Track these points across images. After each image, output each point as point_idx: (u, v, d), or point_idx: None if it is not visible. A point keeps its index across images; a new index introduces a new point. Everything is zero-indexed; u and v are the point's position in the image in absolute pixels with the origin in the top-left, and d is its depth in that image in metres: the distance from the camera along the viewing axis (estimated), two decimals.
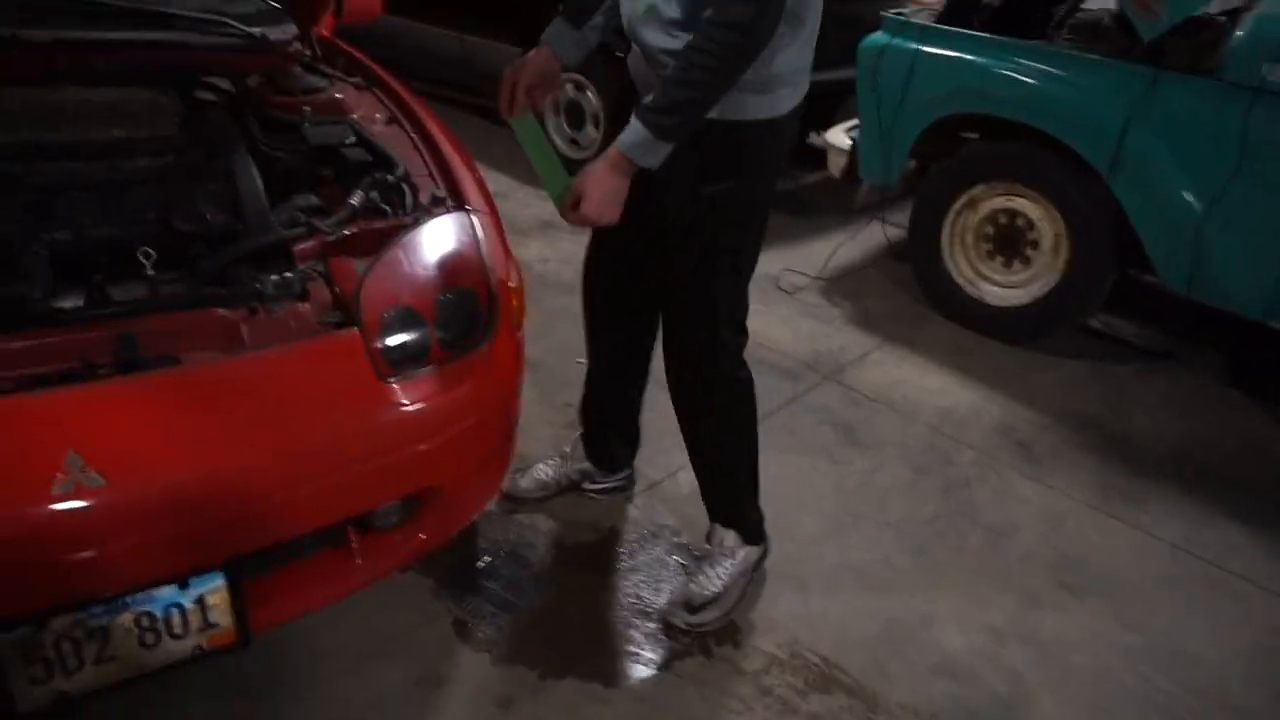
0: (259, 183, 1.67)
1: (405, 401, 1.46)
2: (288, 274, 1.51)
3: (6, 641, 1.19)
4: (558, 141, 4.40)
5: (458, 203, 1.75)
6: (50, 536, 1.17)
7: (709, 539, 2.00)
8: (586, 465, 2.18)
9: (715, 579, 1.91)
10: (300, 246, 1.58)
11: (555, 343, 2.80)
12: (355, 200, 1.72)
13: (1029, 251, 3.15)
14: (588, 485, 2.20)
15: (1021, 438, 2.69)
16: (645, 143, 1.45)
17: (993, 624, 1.99)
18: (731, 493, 1.98)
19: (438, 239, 1.66)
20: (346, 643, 1.73)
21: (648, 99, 1.45)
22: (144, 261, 1.48)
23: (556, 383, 2.66)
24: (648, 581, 2.01)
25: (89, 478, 1.18)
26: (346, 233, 1.64)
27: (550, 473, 2.17)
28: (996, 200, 3.18)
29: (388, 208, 1.75)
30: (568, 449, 2.20)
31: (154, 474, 1.23)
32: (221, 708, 1.60)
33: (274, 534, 1.36)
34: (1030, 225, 3.12)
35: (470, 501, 1.68)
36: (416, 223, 1.68)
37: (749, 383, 1.87)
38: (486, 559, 2.00)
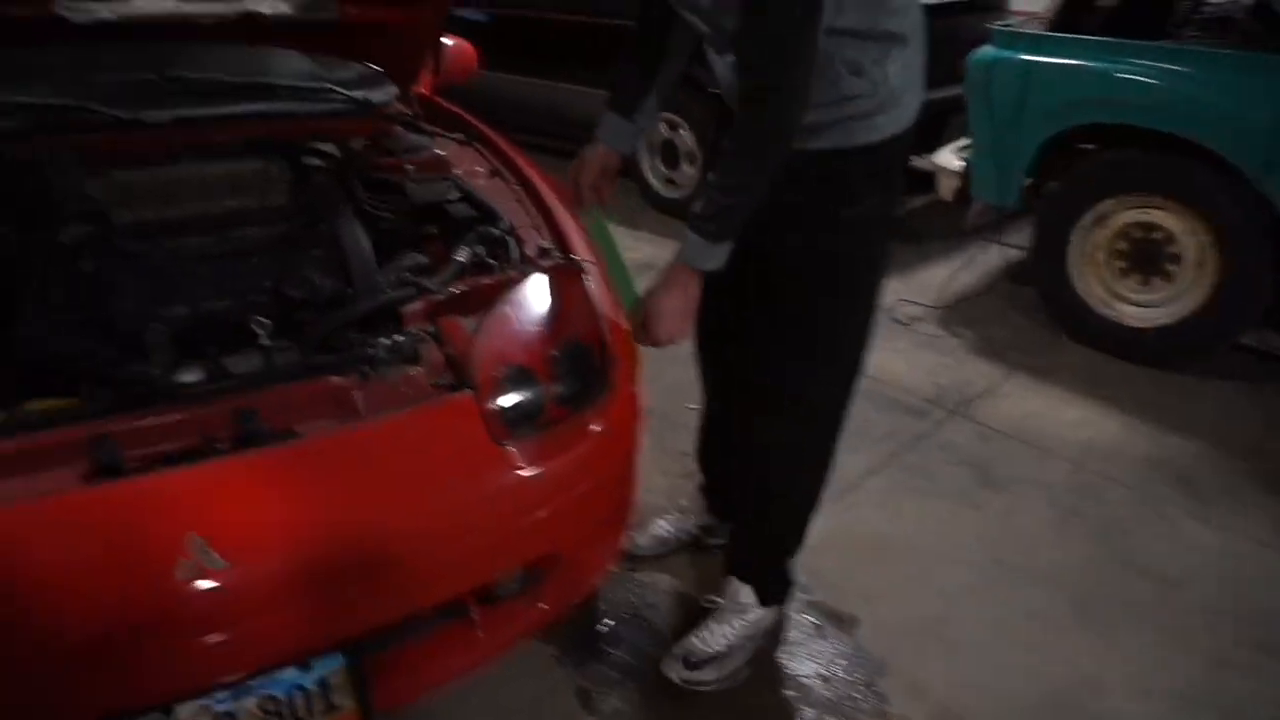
0: (366, 245, 1.65)
1: (522, 465, 1.39)
2: (398, 337, 1.48)
3: None
4: (653, 182, 4.37)
5: (564, 253, 1.70)
6: (174, 622, 1.14)
7: (722, 592, 1.84)
8: (707, 519, 2.07)
9: (720, 637, 1.77)
10: (409, 308, 1.55)
11: (666, 385, 2.70)
12: (462, 256, 1.69)
13: (1170, 267, 2.91)
14: (709, 540, 2.09)
15: (1180, 471, 2.44)
16: (704, 249, 1.43)
17: (1175, 688, 1.77)
18: (774, 552, 1.84)
19: (547, 292, 1.61)
20: (475, 718, 1.66)
21: (697, 207, 1.43)
22: (260, 331, 1.47)
23: (670, 428, 2.56)
24: (783, 645, 1.87)
25: (211, 559, 1.14)
26: (455, 290, 1.60)
27: (669, 528, 2.07)
28: (1129, 214, 2.95)
29: (494, 262, 1.71)
30: (685, 502, 2.10)
31: (275, 554, 1.19)
32: None
33: (393, 610, 1.31)
34: (1170, 239, 2.88)
35: (593, 567, 1.60)
36: (524, 276, 1.63)
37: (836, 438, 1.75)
38: (608, 623, 1.91)
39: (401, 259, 1.72)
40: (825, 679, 1.79)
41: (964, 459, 2.51)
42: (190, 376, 1.40)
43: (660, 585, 2.01)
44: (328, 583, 1.22)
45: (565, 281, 1.63)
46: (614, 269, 1.62)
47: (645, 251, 3.97)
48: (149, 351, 1.39)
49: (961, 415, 2.72)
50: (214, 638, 1.16)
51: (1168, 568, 2.09)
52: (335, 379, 1.41)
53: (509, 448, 1.40)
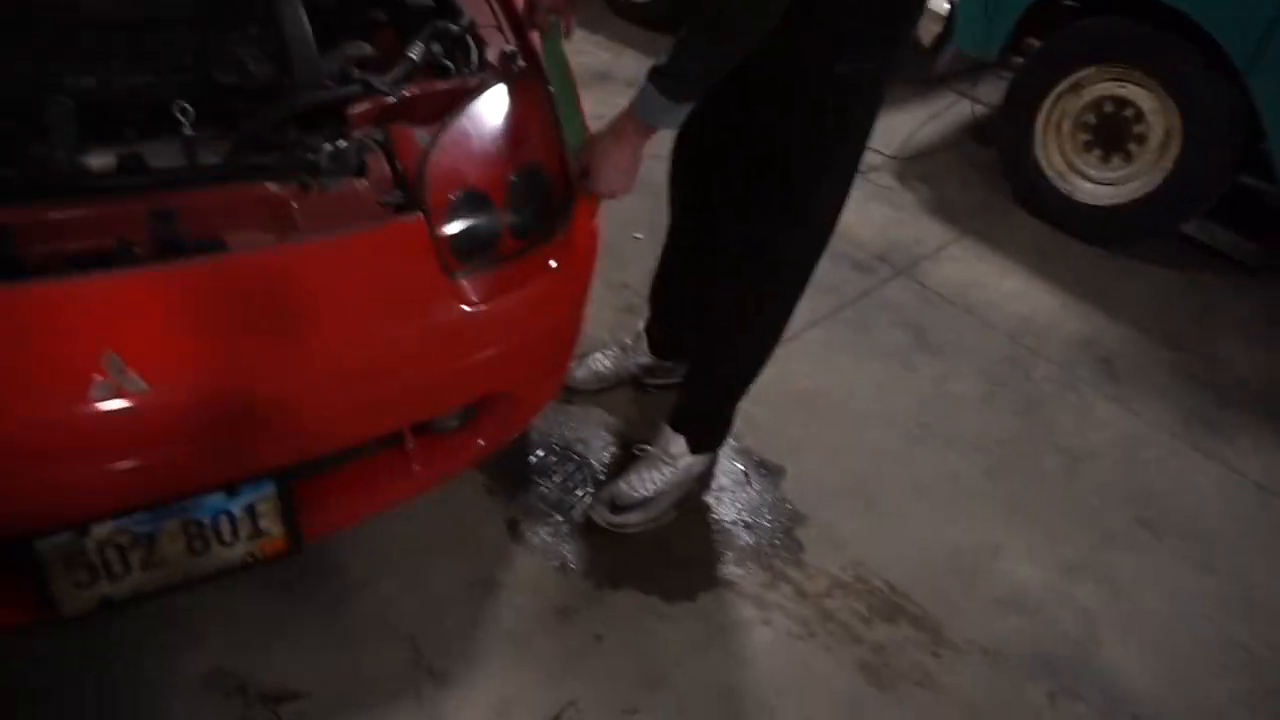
0: (307, 27, 1.45)
1: (473, 300, 1.30)
2: (343, 143, 1.32)
3: (48, 547, 1.10)
4: None
5: (531, 63, 1.53)
6: (89, 444, 1.05)
7: (655, 440, 1.84)
8: (648, 359, 2.04)
9: (648, 483, 1.78)
10: (355, 109, 1.38)
11: (614, 213, 2.59)
12: (414, 53, 1.50)
13: (1132, 146, 2.87)
14: (648, 380, 2.07)
15: (1104, 353, 2.51)
16: (662, 107, 1.30)
17: (1066, 559, 1.89)
18: (715, 407, 1.83)
19: (507, 106, 1.46)
20: (400, 542, 1.65)
21: (661, 59, 1.28)
22: (181, 119, 1.29)
23: (615, 259, 2.47)
24: (710, 491, 1.91)
25: (130, 381, 1.04)
26: (406, 94, 1.43)
27: (608, 364, 2.04)
28: (1105, 85, 2.86)
29: (451, 65, 1.54)
30: (629, 340, 2.05)
31: (200, 379, 1.09)
32: (268, 608, 1.53)
33: (326, 445, 1.25)
34: (1139, 116, 2.82)
35: (534, 404, 1.55)
36: (484, 85, 1.47)
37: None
38: (539, 454, 1.90)
39: (345, 47, 1.53)
40: (748, 525, 1.84)
41: (905, 320, 2.52)
42: (99, 162, 1.24)
43: (594, 420, 2.00)
44: (256, 413, 1.14)
45: (528, 96, 1.48)
46: (565, 101, 1.47)
47: (601, 59, 3.72)
48: (49, 130, 1.21)
49: (907, 275, 2.71)
50: (130, 462, 1.09)
51: (1075, 444, 2.19)
52: (270, 186, 1.26)
53: (460, 280, 1.30)
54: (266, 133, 1.32)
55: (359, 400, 1.23)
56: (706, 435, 1.83)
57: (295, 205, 1.26)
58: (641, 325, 2.04)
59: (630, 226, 2.57)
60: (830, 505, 1.91)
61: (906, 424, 2.16)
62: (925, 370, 2.35)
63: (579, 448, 1.93)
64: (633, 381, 2.07)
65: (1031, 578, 1.85)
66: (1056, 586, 1.84)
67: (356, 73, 1.44)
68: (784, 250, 1.57)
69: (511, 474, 1.83)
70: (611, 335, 2.22)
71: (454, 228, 1.31)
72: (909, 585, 1.78)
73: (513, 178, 1.39)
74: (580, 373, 2.02)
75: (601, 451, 1.93)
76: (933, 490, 2.00)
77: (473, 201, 1.34)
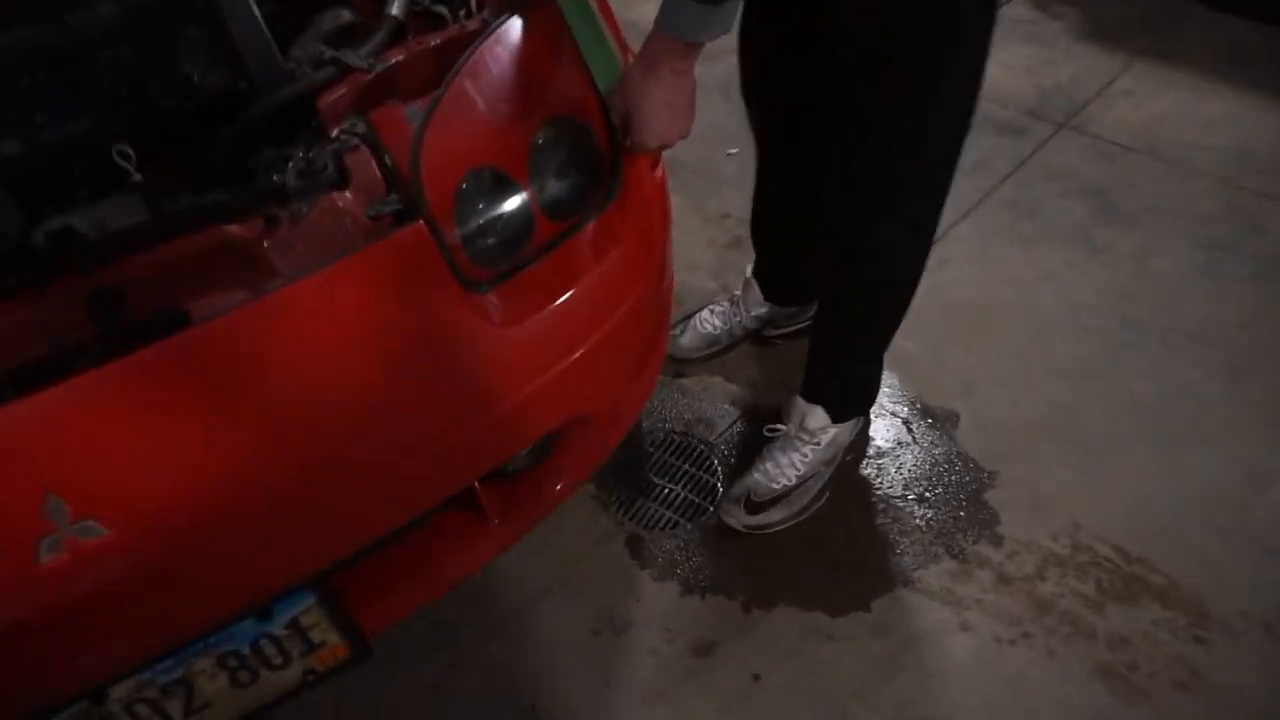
0: (255, 10, 1.14)
1: (508, 316, 1.00)
2: (310, 154, 1.03)
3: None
4: None
5: None
6: (56, 610, 0.84)
7: (787, 415, 1.48)
8: (764, 309, 1.67)
9: (787, 469, 1.43)
10: (329, 98, 1.08)
11: (699, 127, 2.22)
12: (396, 6, 1.18)
13: None
14: (769, 331, 1.71)
15: None
16: (696, 9, 0.94)
17: None
18: (858, 360, 1.45)
19: (518, 47, 1.11)
20: (503, 589, 1.40)
21: None
22: (125, 165, 1.03)
23: (708, 185, 2.11)
24: (867, 459, 1.56)
25: (82, 528, 0.82)
26: (389, 63, 1.12)
27: (718, 323, 1.69)
28: None
29: (444, 9, 1.21)
30: (738, 292, 1.69)
31: (174, 500, 0.85)
32: (368, 697, 1.32)
33: (363, 537, 0.99)
34: None
35: (623, 417, 1.25)
36: (486, 27, 1.13)
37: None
38: (652, 447, 1.60)
39: (320, 22, 1.23)
40: (921, 498, 1.48)
41: (1078, 187, 2.01)
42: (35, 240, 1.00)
43: (713, 394, 1.67)
44: (260, 524, 0.89)
45: (541, 30, 1.13)
46: (584, 24, 1.10)
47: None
48: None
49: (1071, 128, 2.17)
50: (120, 615, 0.87)
51: None
52: (232, 228, 0.99)
53: (487, 294, 1.00)
54: (221, 161, 1.05)
55: (385, 478, 0.96)
56: (851, 399, 1.47)
57: (266, 245, 0.98)
58: (749, 270, 1.67)
59: (722, 141, 2.17)
60: (1023, 453, 1.52)
61: (1105, 325, 1.71)
62: (1118, 248, 1.86)
63: (700, 431, 1.61)
64: (751, 337, 1.72)
65: None
66: None
67: (327, 51, 1.14)
68: (920, 170, 1.16)
69: (623, 478, 1.54)
70: (717, 282, 1.87)
71: (467, 225, 1.00)
72: (1147, 547, 1.38)
73: (537, 139, 1.07)
74: (686, 339, 1.69)
75: (729, 432, 1.61)
76: (1157, 410, 1.56)
77: (486, 183, 1.03)
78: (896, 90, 1.07)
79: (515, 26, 1.12)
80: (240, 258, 0.98)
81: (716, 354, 1.70)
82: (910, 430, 1.57)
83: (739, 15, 1.02)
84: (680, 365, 1.70)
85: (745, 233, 1.93)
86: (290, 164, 1.01)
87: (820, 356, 1.43)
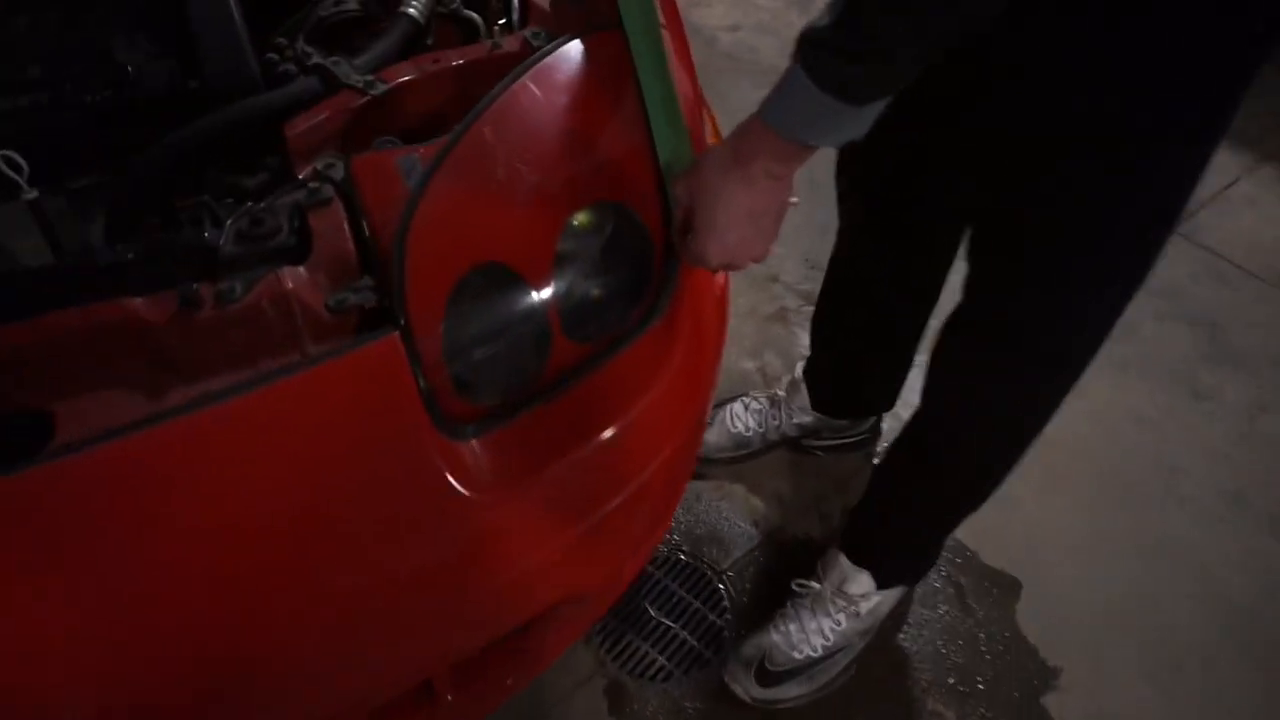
0: None
1: (496, 478, 0.73)
2: (262, 206, 0.75)
3: None
4: None
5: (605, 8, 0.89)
6: None
7: (821, 573, 1.21)
8: (809, 419, 1.40)
9: (814, 637, 1.17)
10: (302, 124, 0.80)
11: None
12: (414, 3, 0.91)
13: None
14: (811, 443, 1.44)
15: None
16: (823, 107, 0.63)
17: None
18: (917, 536, 1.18)
19: (565, 90, 0.83)
20: None
21: (821, 19, 0.62)
22: (14, 176, 0.75)
23: None
24: (906, 626, 1.29)
25: None
26: (390, 82, 0.84)
27: (752, 422, 1.41)
28: None
29: (475, 15, 0.94)
30: (783, 392, 1.42)
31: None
32: None
33: None
34: None
35: (631, 571, 0.98)
36: (528, 50, 0.86)
37: None
38: (651, 568, 1.33)
39: (317, 6, 0.95)
40: (966, 688, 1.22)
41: (1185, 311, 1.73)
42: None
43: (733, 507, 1.40)
44: None
45: (600, 73, 0.85)
46: (652, 79, 0.82)
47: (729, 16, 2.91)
48: None
49: (1181, 234, 1.89)
50: None
51: None
52: (134, 302, 0.71)
53: (471, 442, 0.73)
54: (139, 193, 0.77)
55: (297, 680, 0.70)
56: (906, 567, 1.20)
57: (175, 339, 0.70)
58: (798, 370, 1.40)
59: None
60: (1093, 650, 1.25)
61: (1202, 497, 1.44)
62: (1225, 396, 1.59)
63: (711, 554, 1.34)
64: (785, 443, 1.45)
65: None
66: None
67: (312, 54, 0.86)
68: (1082, 326, 0.88)
69: (618, 610, 1.28)
70: (755, 363, 1.59)
71: (458, 342, 0.73)
72: None
73: (570, 226, 0.79)
74: (712, 434, 1.41)
75: (745, 560, 1.34)
76: (1257, 620, 1.30)
77: (494, 284, 0.75)
78: (1076, 222, 0.80)
79: (565, 61, 0.84)
80: (141, 350, 0.70)
81: (744, 457, 1.43)
82: (962, 597, 1.31)
83: None
84: (701, 465, 1.43)
85: (795, 302, 1.67)
86: (231, 220, 0.73)
87: (877, 512, 1.16)
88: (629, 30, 0.85)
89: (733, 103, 2.22)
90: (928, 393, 1.01)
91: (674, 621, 1.26)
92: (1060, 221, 0.80)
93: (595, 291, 0.79)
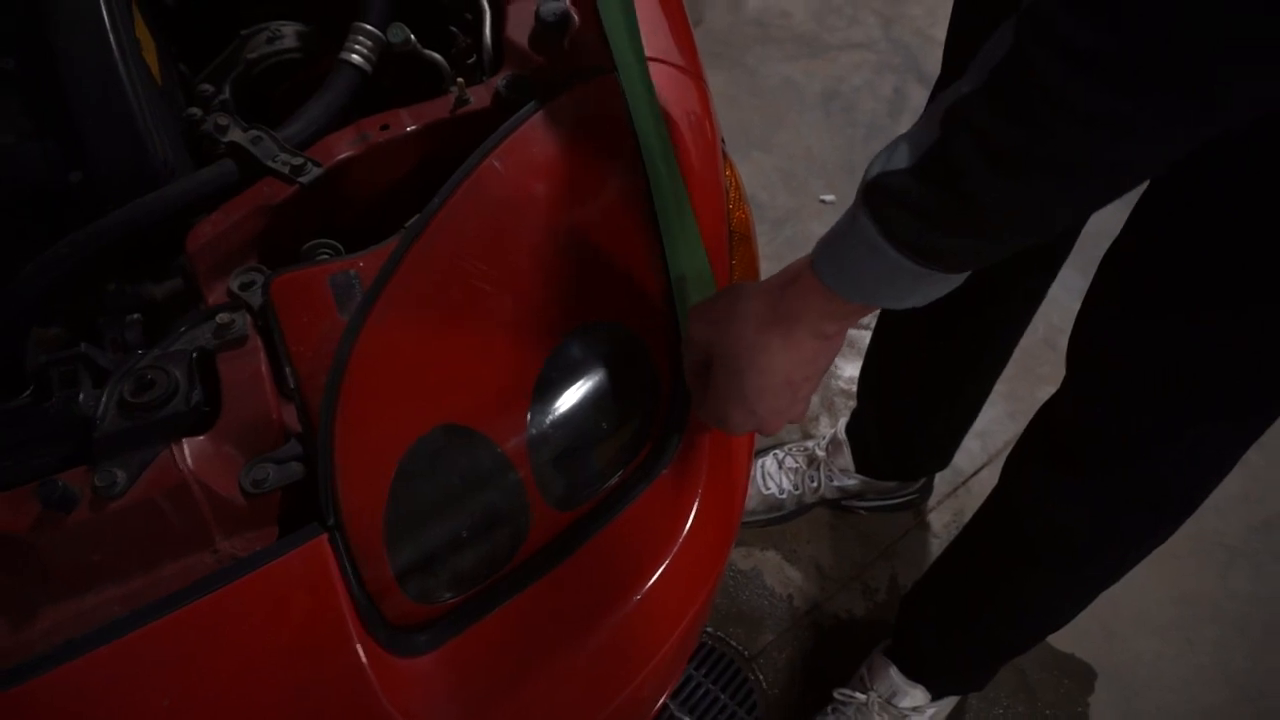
0: (114, 30, 0.67)
1: (457, 705, 0.57)
2: (154, 359, 0.59)
3: None
4: None
5: (599, 49, 0.70)
6: None
7: (867, 679, 1.05)
8: (854, 481, 1.23)
9: None
10: (207, 235, 0.64)
11: (785, 159, 1.72)
12: (356, 48, 0.73)
13: None
14: (853, 505, 1.27)
15: None
16: (888, 266, 0.45)
17: None
18: (980, 644, 0.98)
19: (549, 166, 0.66)
20: None
21: (891, 157, 0.43)
22: None
23: (786, 245, 1.63)
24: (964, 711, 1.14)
25: None
26: (336, 160, 0.67)
27: (787, 483, 1.24)
28: None
29: (439, 58, 0.76)
30: (822, 451, 1.24)
31: None
32: None
33: None
34: None
35: None
36: (500, 108, 0.68)
37: None
38: None
39: (247, 45, 0.79)
40: None
41: None
42: None
43: (765, 578, 1.23)
44: None
45: (596, 146, 0.67)
46: (666, 181, 0.64)
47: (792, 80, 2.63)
48: None
49: None
50: None
51: None
52: None
53: (427, 656, 0.57)
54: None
55: None
56: (965, 677, 1.03)
57: (43, 548, 0.55)
58: (841, 427, 1.22)
59: (815, 178, 1.69)
60: None
61: None
62: None
63: (739, 637, 1.19)
64: (824, 503, 1.28)
65: None
66: None
67: (231, 125, 0.68)
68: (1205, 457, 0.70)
69: None
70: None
71: (402, 533, 0.57)
72: None
73: (556, 353, 0.62)
74: (747, 500, 1.25)
75: (778, 645, 1.19)
76: None
77: (449, 449, 0.59)
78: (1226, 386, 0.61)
79: (545, 129, 0.66)
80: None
81: (778, 520, 1.26)
82: (1028, 688, 1.15)
83: None
84: None
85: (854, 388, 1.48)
86: (109, 385, 0.57)
87: (938, 618, 0.98)
88: (625, 82, 0.67)
89: (763, 80, 2.01)
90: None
91: (693, 717, 1.12)
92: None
93: (586, 442, 0.62)
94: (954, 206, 0.40)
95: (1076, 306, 0.73)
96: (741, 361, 0.53)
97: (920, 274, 0.44)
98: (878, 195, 0.43)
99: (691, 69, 0.73)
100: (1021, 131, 0.37)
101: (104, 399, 0.56)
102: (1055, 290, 0.95)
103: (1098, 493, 0.73)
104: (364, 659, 0.54)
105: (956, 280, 0.45)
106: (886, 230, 0.43)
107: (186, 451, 0.56)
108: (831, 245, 0.47)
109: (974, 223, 0.41)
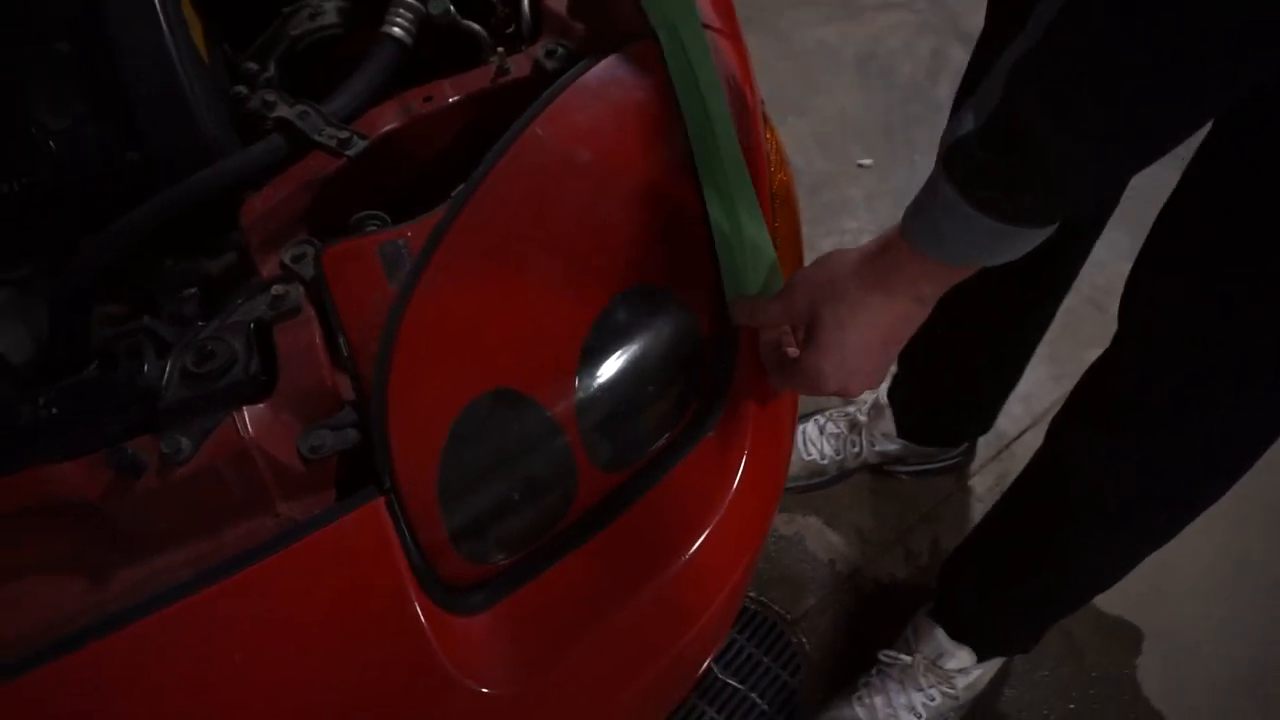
0: (167, 19, 0.69)
1: (511, 662, 0.59)
2: (214, 330, 0.60)
3: None
4: None
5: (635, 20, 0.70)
6: None
7: (912, 640, 1.05)
8: (896, 446, 1.22)
9: (905, 713, 1.01)
10: (259, 210, 0.65)
11: (820, 123, 1.70)
12: (397, 19, 0.73)
13: None
14: (895, 469, 1.27)
15: None
16: (976, 228, 0.46)
17: None
18: (1027, 605, 0.97)
19: (593, 133, 0.66)
20: None
21: (967, 119, 0.44)
22: None
23: (825, 209, 1.62)
24: (1009, 683, 1.14)
25: None
26: (381, 132, 0.68)
27: (828, 448, 1.24)
28: None
29: (476, 26, 0.76)
30: (864, 416, 1.24)
31: None
32: None
33: None
34: None
35: None
36: (540, 76, 0.68)
37: None
38: None
39: (288, 24, 0.80)
40: None
41: None
42: None
43: (807, 543, 1.24)
44: None
45: (635, 101, 0.67)
46: (705, 142, 0.64)
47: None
48: None
49: None
50: None
51: None
52: (51, 471, 0.58)
53: (482, 614, 0.59)
54: (69, 319, 0.64)
55: None
56: (1012, 638, 1.03)
57: (114, 512, 0.57)
58: (883, 392, 1.22)
59: (851, 141, 1.67)
60: (1235, 714, 1.09)
61: None
62: None
63: (782, 600, 1.20)
64: (866, 468, 1.28)
65: None
66: None
67: (278, 102, 0.69)
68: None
69: None
70: None
71: (455, 495, 0.58)
72: None
73: (604, 316, 0.63)
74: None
75: (820, 608, 1.20)
76: None
77: (499, 413, 0.60)
78: None
79: (588, 93, 0.66)
80: (68, 528, 0.57)
81: (817, 485, 1.27)
82: (1075, 651, 1.15)
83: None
84: None
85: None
86: (173, 356, 0.59)
87: (982, 580, 0.98)
88: (682, 44, 0.67)
89: (797, 43, 1.98)
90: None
91: (741, 682, 1.13)
92: None
93: (632, 405, 0.63)
94: (1023, 165, 0.41)
95: (1121, 267, 0.72)
96: (845, 319, 0.54)
97: (1008, 231, 0.45)
98: (954, 161, 0.44)
99: (729, 30, 0.72)
100: (1080, 86, 0.37)
101: (168, 369, 0.58)
102: (1100, 251, 0.94)
103: (1145, 454, 0.72)
104: (421, 616, 0.55)
105: (1048, 230, 0.46)
106: (968, 194, 0.44)
107: (247, 419, 0.57)
108: (918, 215, 0.49)
109: (1044, 180, 0.41)
